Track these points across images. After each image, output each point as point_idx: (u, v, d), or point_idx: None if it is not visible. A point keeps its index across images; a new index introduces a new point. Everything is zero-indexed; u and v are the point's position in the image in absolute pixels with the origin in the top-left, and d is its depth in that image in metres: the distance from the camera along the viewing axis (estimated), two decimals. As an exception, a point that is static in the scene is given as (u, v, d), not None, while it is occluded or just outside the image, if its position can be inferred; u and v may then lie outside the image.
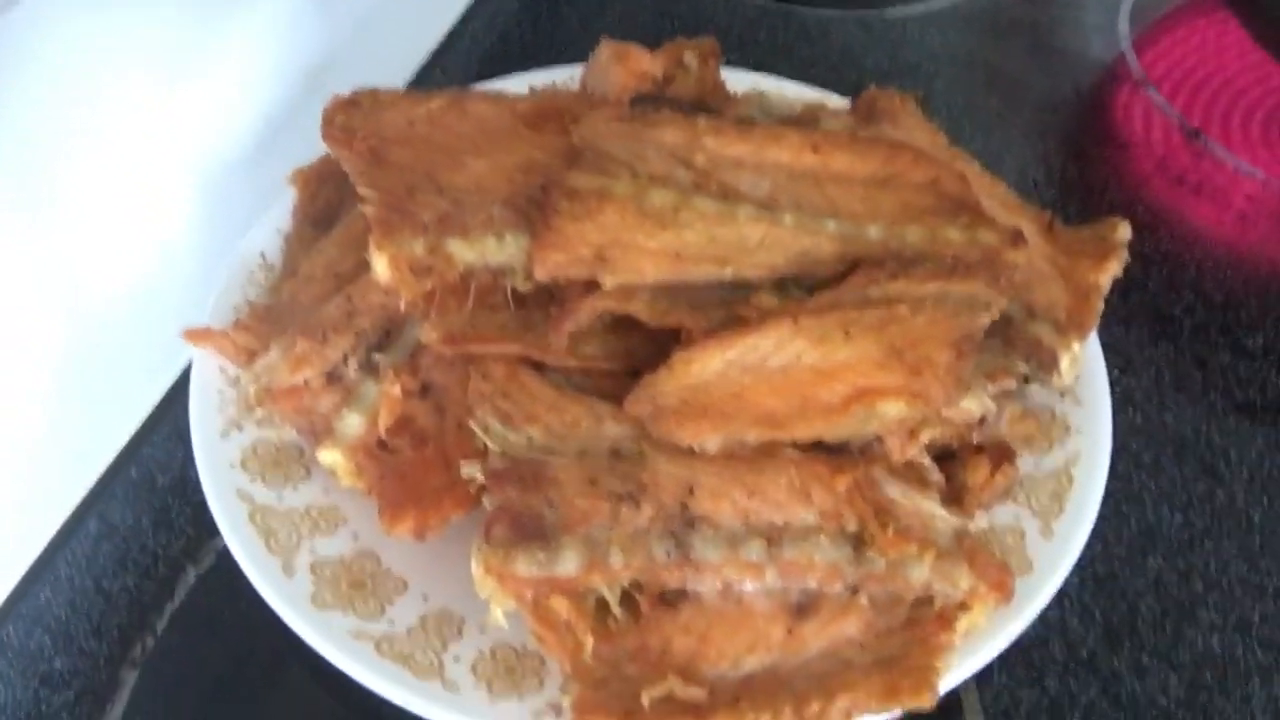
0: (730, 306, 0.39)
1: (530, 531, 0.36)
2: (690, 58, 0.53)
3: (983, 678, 0.38)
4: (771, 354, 0.37)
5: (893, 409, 0.37)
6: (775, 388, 0.37)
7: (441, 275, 0.41)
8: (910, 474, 0.39)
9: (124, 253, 0.47)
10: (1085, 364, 0.43)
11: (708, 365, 0.37)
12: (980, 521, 0.40)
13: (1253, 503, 0.45)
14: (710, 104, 0.51)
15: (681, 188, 0.41)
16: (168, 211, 0.49)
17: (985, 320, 0.39)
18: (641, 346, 0.40)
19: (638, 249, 0.39)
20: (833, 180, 0.42)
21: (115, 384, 0.47)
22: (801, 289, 0.40)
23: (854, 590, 0.36)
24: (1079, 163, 0.59)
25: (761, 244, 0.40)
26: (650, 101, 0.47)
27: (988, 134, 0.60)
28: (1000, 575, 0.37)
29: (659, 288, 0.39)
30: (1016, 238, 0.41)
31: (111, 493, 0.46)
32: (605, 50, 0.52)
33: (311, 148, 0.46)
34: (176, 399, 0.47)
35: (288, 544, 0.40)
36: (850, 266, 0.40)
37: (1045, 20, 0.68)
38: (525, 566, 0.35)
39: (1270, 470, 0.46)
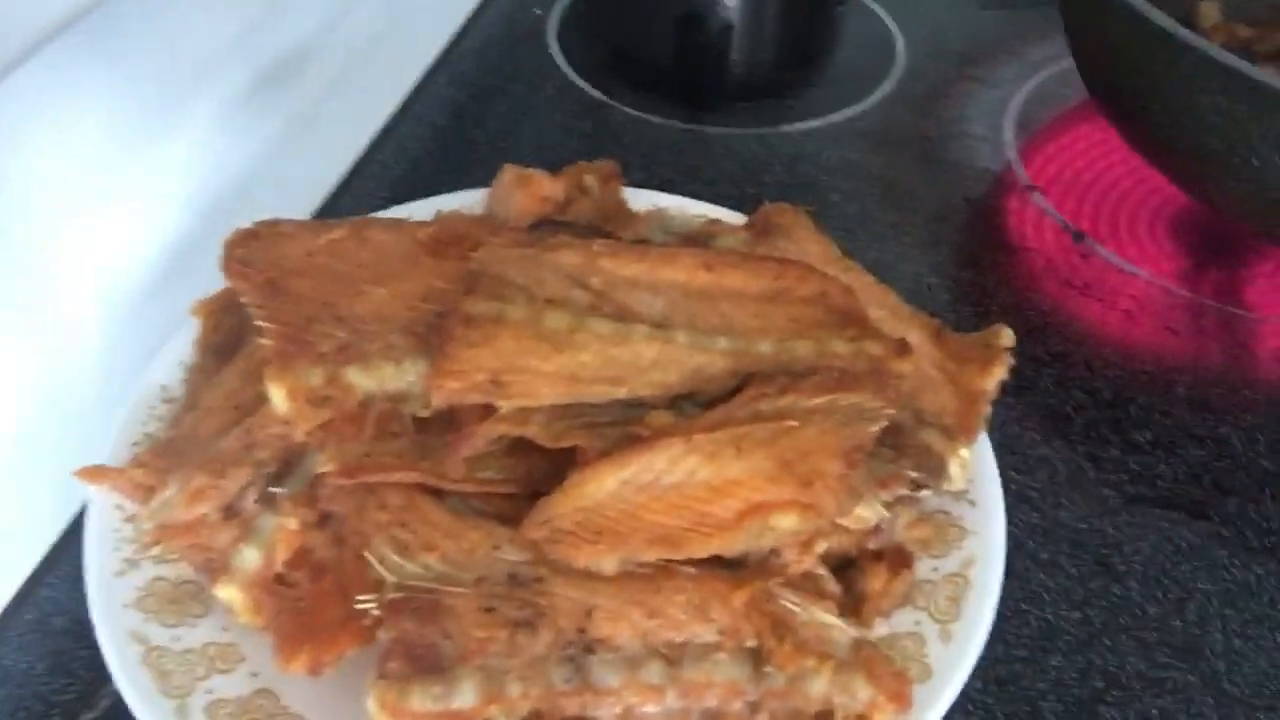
0: (625, 425, 0.40)
1: (426, 664, 0.35)
2: (591, 180, 0.55)
3: (891, 788, 0.38)
4: (665, 472, 0.38)
5: (786, 522, 0.38)
6: (670, 506, 0.38)
7: (339, 405, 0.41)
8: (807, 585, 0.39)
9: (22, 385, 0.46)
10: (977, 466, 0.44)
11: (602, 486, 0.38)
12: (881, 629, 0.40)
13: (1147, 597, 0.46)
14: (609, 226, 0.53)
15: (578, 309, 0.42)
16: (69, 342, 0.49)
17: (874, 430, 0.40)
18: (539, 468, 0.40)
19: (533, 372, 0.40)
20: (726, 297, 0.44)
21: (10, 524, 0.46)
22: (696, 406, 0.41)
23: (755, 707, 0.36)
24: (971, 268, 0.62)
25: (655, 363, 0.41)
26: (549, 226, 0.49)
27: (882, 243, 0.63)
28: (898, 685, 0.37)
29: (554, 409, 0.40)
30: (901, 348, 0.43)
31: (5, 638, 0.45)
32: (507, 175, 0.54)
33: (213, 280, 0.46)
34: (74, 539, 0.46)
35: (183, 685, 0.39)
36: (743, 382, 0.41)
37: (935, 133, 0.71)
38: (421, 701, 0.35)
39: (1163, 563, 0.48)
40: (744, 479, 0.38)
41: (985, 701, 0.43)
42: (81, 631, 0.44)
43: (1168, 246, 0.65)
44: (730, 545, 0.38)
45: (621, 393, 0.40)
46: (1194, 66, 0.52)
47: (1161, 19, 0.53)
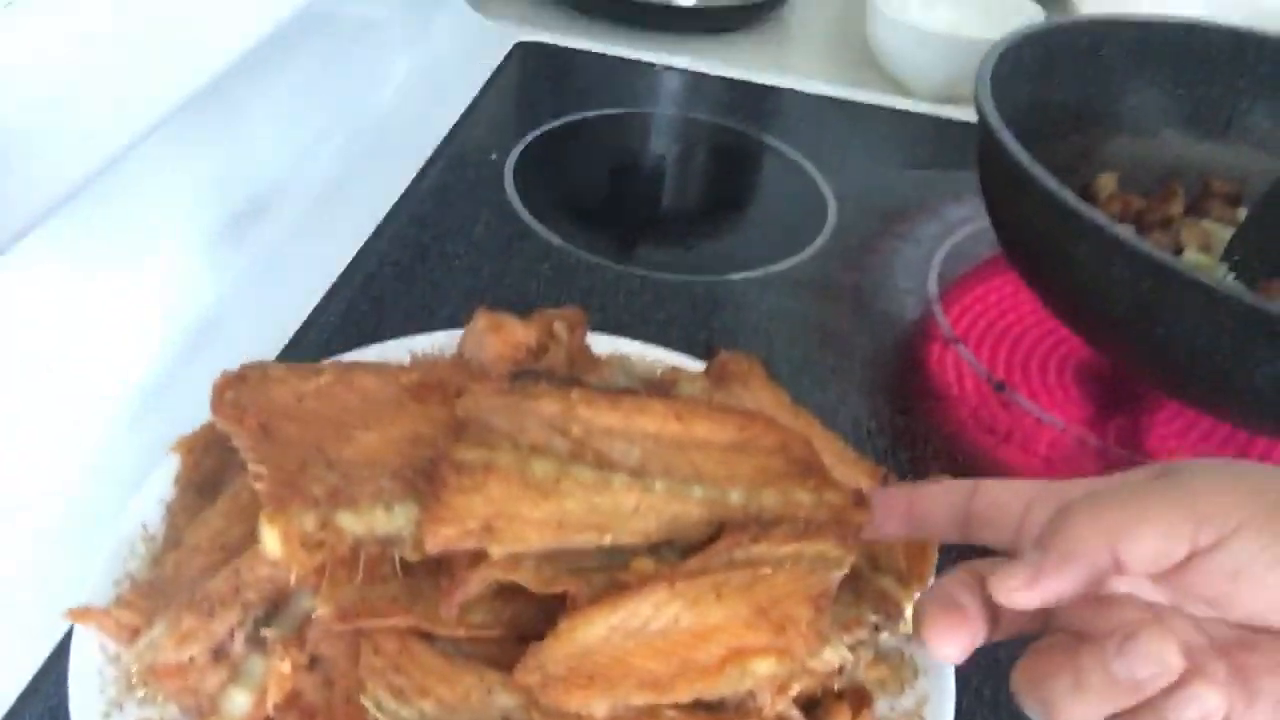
0: (610, 572, 0.42)
1: (425, 810, 0.37)
2: (560, 327, 0.58)
3: None
4: (651, 618, 0.40)
5: (763, 667, 0.40)
6: (656, 651, 0.40)
7: (332, 548, 0.42)
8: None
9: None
10: (926, 608, 0.48)
11: (592, 631, 0.39)
12: (845, 767, 0.43)
13: (1084, 731, 0.50)
14: (576, 371, 0.56)
15: (560, 457, 0.44)
16: (44, 478, 0.49)
17: (838, 576, 0.43)
18: (527, 612, 0.42)
19: (523, 519, 0.42)
20: (695, 447, 0.46)
21: (-20, 665, 0.46)
22: (674, 553, 0.43)
23: None
24: (904, 415, 0.66)
25: (636, 511, 0.43)
26: (529, 375, 0.51)
27: (825, 388, 0.67)
28: (866, 823, 0.40)
29: (543, 555, 0.42)
30: (859, 498, 0.46)
31: (-28, 782, 0.44)
32: (481, 320, 0.57)
33: (190, 416, 0.48)
34: (47, 679, 0.46)
35: (168, 833, 0.39)
36: (716, 530, 0.43)
37: (866, 284, 0.77)
38: None
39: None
40: (724, 625, 0.40)
41: (939, 836, 0.45)
42: (58, 775, 0.44)
43: (1075, 394, 0.71)
44: (713, 689, 0.40)
45: (606, 540, 0.42)
46: (1101, 243, 0.58)
47: (1070, 197, 0.60)
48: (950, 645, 0.36)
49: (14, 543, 0.47)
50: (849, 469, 0.52)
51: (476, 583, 0.41)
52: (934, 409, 0.67)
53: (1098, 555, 0.33)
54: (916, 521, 0.42)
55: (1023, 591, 0.34)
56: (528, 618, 0.42)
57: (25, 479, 0.48)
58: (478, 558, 0.42)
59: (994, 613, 0.36)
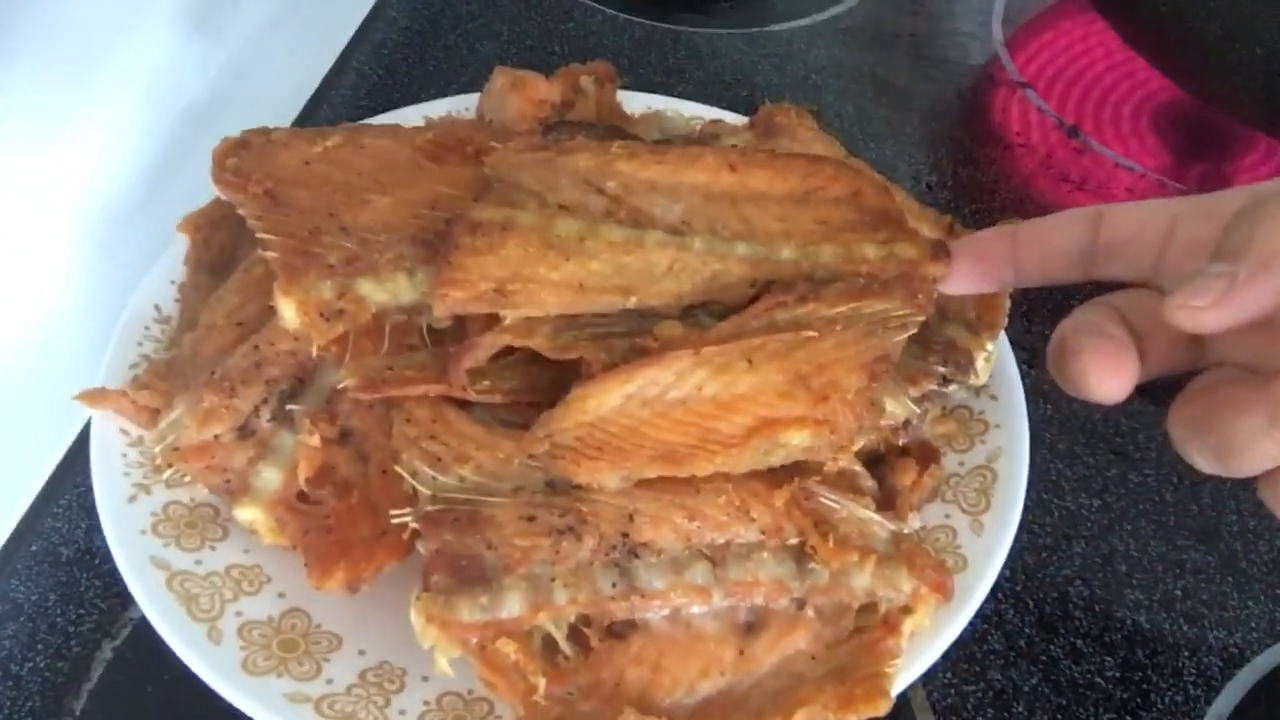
0: (634, 337, 0.38)
1: (471, 576, 0.35)
2: (587, 82, 0.53)
3: (928, 675, 0.38)
4: (672, 387, 0.36)
5: (798, 439, 0.36)
6: (674, 422, 0.36)
7: (353, 318, 0.39)
8: (844, 483, 0.39)
9: (6, 316, 0.44)
10: (997, 359, 0.44)
11: (605, 400, 0.36)
12: (914, 523, 0.40)
13: (1163, 482, 0.47)
14: (614, 128, 0.51)
15: (591, 216, 0.40)
16: (51, 269, 0.47)
17: (902, 338, 0.38)
18: (564, 376, 0.39)
19: (540, 281, 0.38)
20: (750, 200, 0.41)
21: (6, 455, 0.44)
22: (711, 316, 0.39)
23: (800, 604, 0.36)
24: (969, 166, 0.61)
25: (669, 271, 0.39)
26: (564, 128, 0.47)
27: (880, 143, 0.62)
28: (939, 575, 0.37)
29: (562, 319, 0.38)
30: (938, 250, 0.40)
31: (12, 569, 0.43)
32: (501, 78, 0.52)
33: (198, 192, 0.44)
34: (74, 466, 0.45)
35: (211, 609, 0.38)
36: (761, 290, 0.39)
37: (923, 29, 0.70)
38: (469, 612, 0.34)
39: (1176, 450, 0.48)
40: (754, 394, 0.36)
41: (1015, 590, 0.43)
42: (92, 560, 0.43)
43: (1154, 139, 0.65)
44: (737, 463, 0.36)
45: (631, 302, 0.38)
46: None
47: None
48: (1113, 380, 0.31)
49: (25, 330, 0.45)
50: (914, 220, 0.47)
51: (485, 347, 0.38)
52: (1000, 159, 0.62)
53: None
54: (1028, 264, 0.36)
55: (1213, 311, 0.28)
56: (564, 381, 0.39)
57: (32, 265, 0.45)
58: (495, 322, 0.39)
59: (1140, 348, 0.32)
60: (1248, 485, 0.46)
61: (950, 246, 0.39)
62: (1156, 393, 0.50)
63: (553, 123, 0.46)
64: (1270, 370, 0.28)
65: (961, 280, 0.37)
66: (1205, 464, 0.29)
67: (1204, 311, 0.28)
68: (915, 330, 0.39)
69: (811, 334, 0.37)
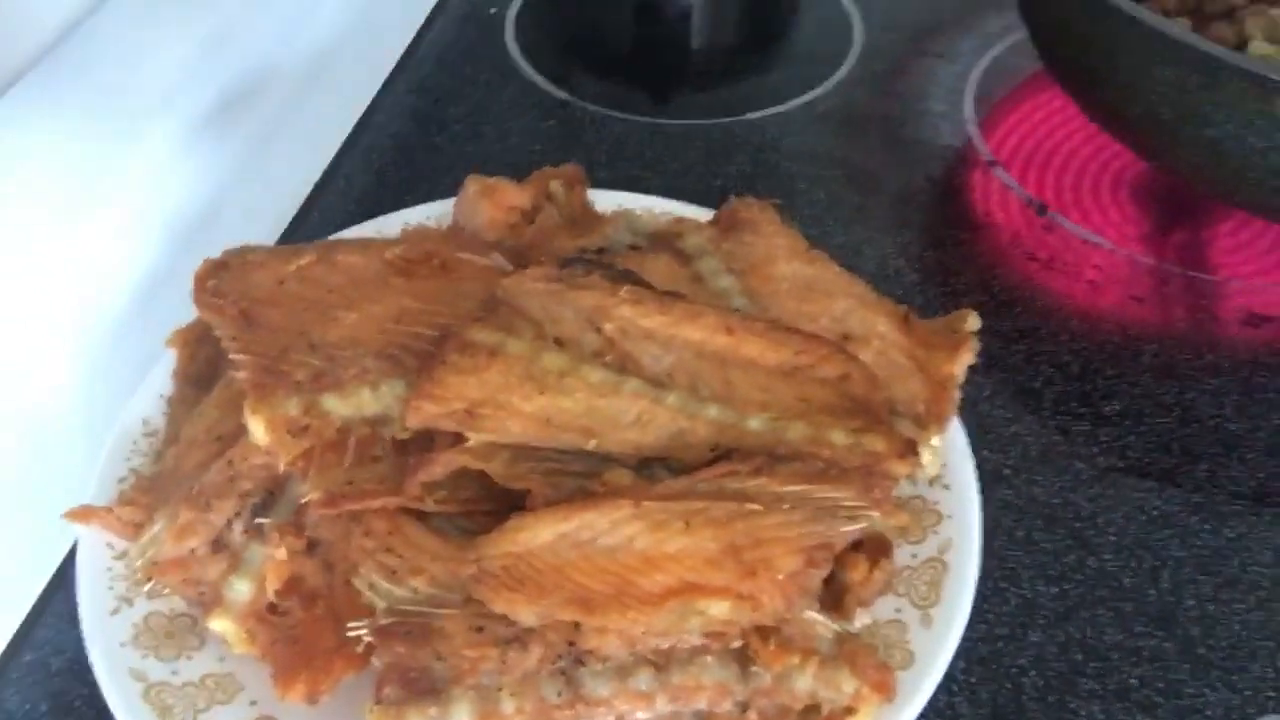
0: (585, 479, 0.39)
1: (421, 687, 0.36)
2: (556, 186, 0.55)
3: (881, 773, 0.39)
4: (605, 533, 0.37)
5: (715, 609, 0.36)
6: (598, 569, 0.36)
7: (318, 433, 0.41)
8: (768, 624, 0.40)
9: (4, 430, 0.47)
10: (950, 448, 0.45)
11: (537, 535, 0.37)
12: (862, 618, 0.41)
13: (1122, 567, 0.47)
14: (576, 231, 0.53)
15: (581, 353, 0.41)
16: (47, 385, 0.49)
17: (850, 530, 0.38)
18: (520, 492, 0.41)
19: (510, 409, 0.40)
20: (739, 365, 0.42)
21: (3, 567, 0.47)
22: (669, 471, 0.40)
23: (744, 707, 0.37)
24: (936, 248, 0.62)
25: (636, 421, 0.40)
26: (583, 263, 0.48)
27: (849, 228, 0.63)
28: (881, 675, 0.38)
29: (522, 449, 0.40)
30: (907, 449, 0.41)
31: (5, 680, 0.45)
32: (472, 186, 0.54)
33: (188, 308, 0.47)
34: (66, 577, 0.47)
35: (184, 718, 0.40)
36: (721, 455, 0.40)
37: (895, 112, 0.72)
38: (418, 723, 0.35)
39: (1136, 533, 0.49)
40: (682, 556, 0.36)
41: (968, 681, 0.44)
42: (80, 671, 0.45)
43: (1130, 212, 0.66)
44: (649, 621, 0.36)
45: (592, 445, 0.40)
46: (1144, 40, 0.53)
47: (1111, -7, 0.54)
48: None
49: (18, 446, 0.47)
50: (869, 311, 0.49)
51: (443, 465, 0.39)
52: (968, 240, 0.63)
53: None
54: None
55: None
56: (501, 493, 0.40)
57: (24, 383, 0.47)
58: (459, 440, 0.40)
59: None
60: (1207, 569, 0.47)
61: (916, 447, 0.39)
62: (1116, 475, 0.51)
63: (573, 257, 0.48)
64: None
65: None
66: None
67: None
68: (865, 525, 0.39)
69: (756, 507, 0.38)
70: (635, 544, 0.37)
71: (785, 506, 0.38)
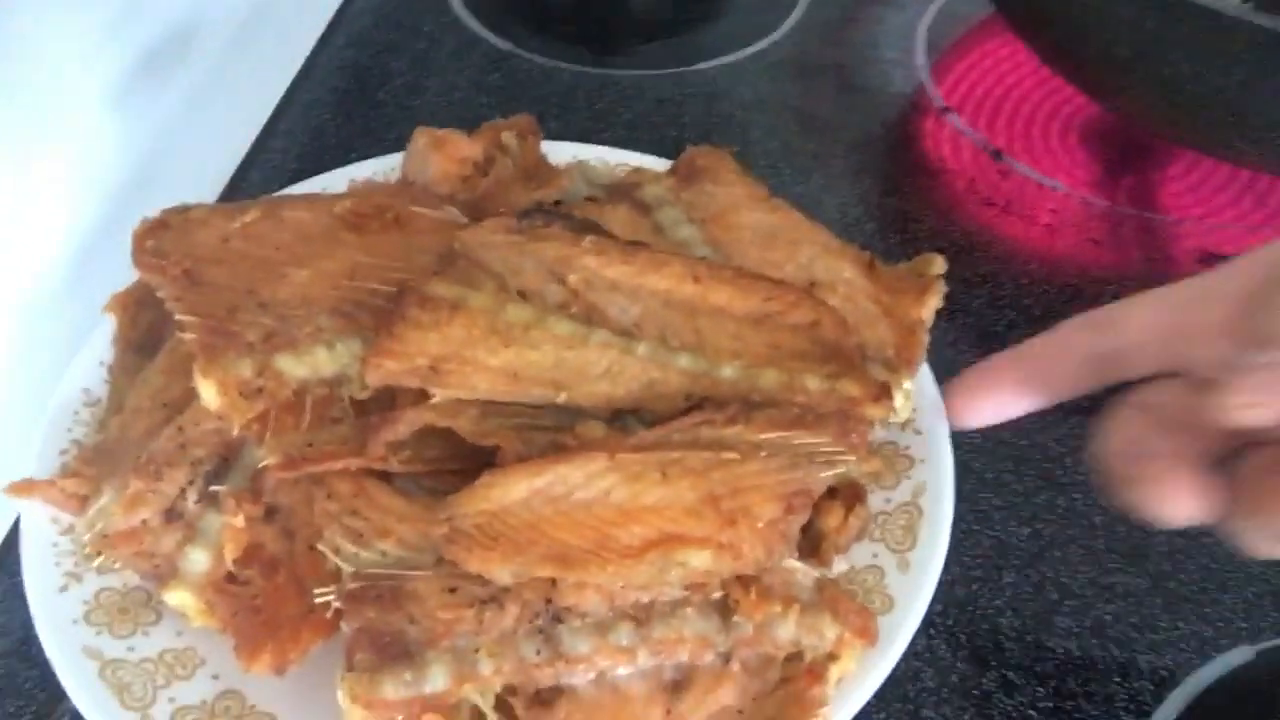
0: (556, 433, 0.38)
1: (394, 652, 0.35)
2: (509, 137, 0.54)
3: (863, 718, 0.39)
4: (579, 487, 0.36)
5: (698, 560, 0.35)
6: (575, 523, 0.35)
7: (273, 395, 0.40)
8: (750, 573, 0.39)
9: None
10: (919, 393, 0.45)
11: (510, 491, 0.36)
12: (840, 564, 0.41)
13: (1091, 505, 0.48)
14: (532, 184, 0.51)
15: (545, 305, 0.40)
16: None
17: (828, 475, 0.38)
18: (488, 450, 0.40)
19: (476, 364, 0.39)
20: (707, 313, 0.42)
21: (-62, 548, 0.45)
22: (641, 423, 0.39)
23: (726, 658, 0.37)
24: (894, 195, 0.62)
25: (606, 372, 0.39)
26: (542, 214, 0.47)
27: (807, 176, 0.63)
28: (863, 620, 0.38)
29: (490, 405, 0.39)
30: (882, 393, 0.40)
31: (-53, 665, 0.43)
32: (421, 138, 0.52)
33: (126, 272, 0.44)
34: (9, 557, 0.44)
35: (143, 696, 0.38)
36: (695, 404, 0.39)
37: (847, 60, 0.71)
38: (393, 689, 0.34)
39: (1103, 471, 0.49)
40: (660, 507, 0.36)
41: (946, 624, 0.44)
42: (27, 651, 0.43)
43: (1082, 156, 0.66)
44: (630, 575, 0.35)
45: (562, 398, 0.39)
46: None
47: (1066, -70, 0.53)
48: (1183, 502, 0.30)
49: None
50: (833, 258, 0.48)
51: (407, 424, 0.38)
52: (925, 186, 0.63)
53: None
54: (1041, 384, 0.35)
55: (1271, 406, 0.27)
56: (468, 451, 0.39)
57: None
58: (423, 398, 0.39)
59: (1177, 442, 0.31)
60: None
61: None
62: (1082, 415, 0.51)
63: (531, 208, 0.46)
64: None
65: (979, 413, 0.37)
66: (1269, 549, 0.29)
67: (1263, 409, 0.27)
68: (842, 470, 0.39)
69: (733, 456, 0.37)
70: (611, 497, 0.36)
71: (762, 454, 0.37)
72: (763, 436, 0.38)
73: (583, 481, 0.36)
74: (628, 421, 0.39)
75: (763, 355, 0.41)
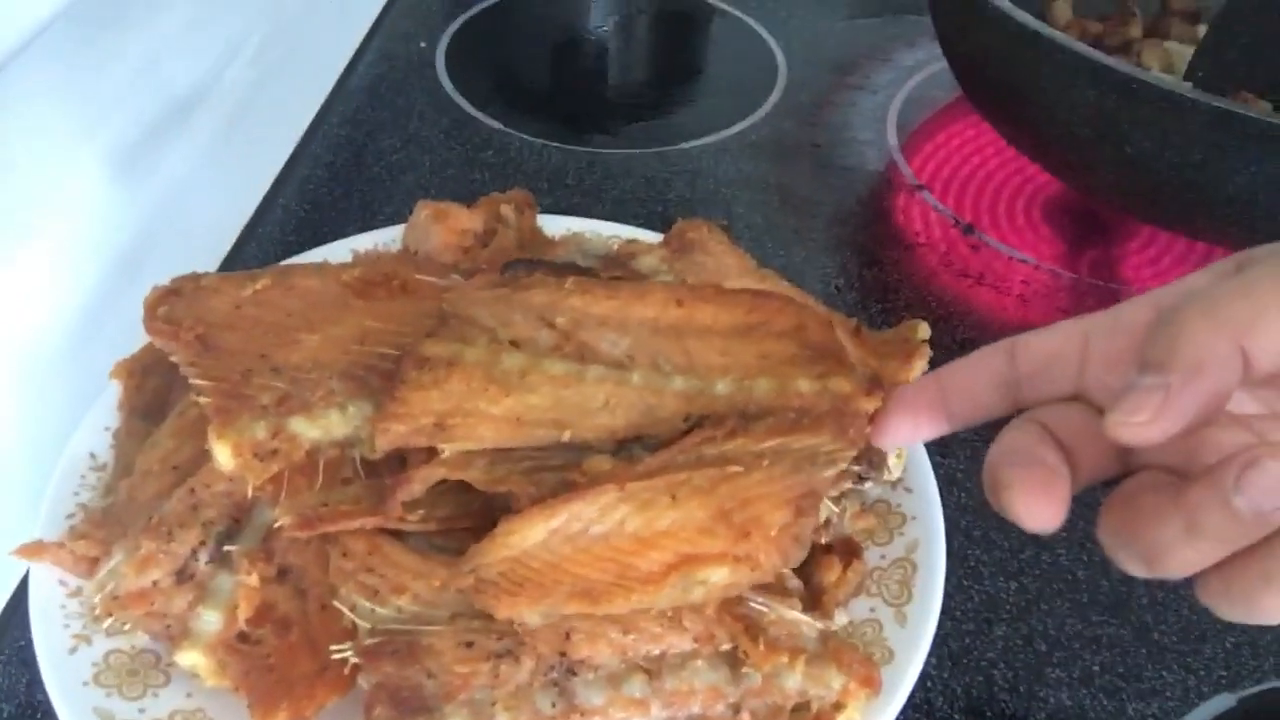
0: (565, 471, 0.39)
1: (412, 706, 0.35)
2: (507, 210, 0.56)
3: (866, 770, 0.39)
4: (595, 522, 0.37)
5: (716, 576, 0.36)
6: (594, 558, 0.36)
7: (287, 456, 0.41)
8: (772, 585, 0.41)
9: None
10: (910, 454, 0.47)
11: (529, 535, 0.37)
12: (840, 619, 0.42)
13: (1075, 560, 0.49)
14: (529, 255, 0.53)
15: (538, 350, 0.41)
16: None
17: (831, 474, 0.39)
18: (497, 500, 0.41)
19: (479, 415, 0.39)
20: (694, 333, 0.43)
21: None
22: (645, 449, 0.40)
23: (736, 709, 0.38)
24: (873, 266, 0.64)
25: (605, 405, 0.40)
26: (522, 265, 0.48)
27: (789, 250, 0.65)
28: (867, 670, 0.39)
29: (497, 453, 0.40)
30: (873, 385, 0.41)
31: (-54, 733, 0.43)
32: (423, 210, 0.54)
33: (130, 337, 0.45)
34: (13, 620, 0.44)
35: (154, 758, 0.38)
36: (694, 424, 0.40)
37: (823, 140, 0.74)
38: (412, 743, 0.35)
39: (1084, 528, 0.50)
40: (675, 530, 0.36)
41: (942, 677, 0.45)
42: (33, 715, 0.42)
43: (1046, 231, 0.70)
44: (654, 600, 0.36)
45: (566, 436, 0.39)
46: (1063, 64, 0.56)
47: (1028, 20, 0.57)
48: (1045, 510, 0.31)
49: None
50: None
51: (421, 481, 0.39)
52: (903, 258, 0.65)
53: (1228, 359, 0.28)
54: (958, 406, 0.36)
55: (1154, 424, 0.28)
56: (497, 507, 0.40)
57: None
58: (433, 454, 0.40)
59: (1070, 461, 0.32)
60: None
61: (882, 381, 0.40)
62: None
63: (513, 260, 0.48)
64: (1192, 472, 0.29)
65: (896, 433, 0.37)
66: (1134, 569, 0.30)
67: (1146, 426, 0.28)
68: (845, 466, 0.39)
69: (736, 469, 0.38)
70: (626, 527, 0.36)
71: (765, 462, 0.38)
72: (763, 445, 0.38)
73: (597, 516, 0.37)
74: (632, 450, 0.40)
75: (753, 366, 0.41)
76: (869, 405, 0.40)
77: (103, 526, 0.43)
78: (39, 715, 0.39)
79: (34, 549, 0.41)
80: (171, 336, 0.44)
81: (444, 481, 0.40)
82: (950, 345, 0.60)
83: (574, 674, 0.37)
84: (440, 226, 0.53)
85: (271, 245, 0.63)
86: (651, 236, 0.56)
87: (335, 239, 0.56)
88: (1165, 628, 0.47)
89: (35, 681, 0.39)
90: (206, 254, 0.61)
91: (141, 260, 0.56)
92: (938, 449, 0.52)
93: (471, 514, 0.41)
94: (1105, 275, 0.67)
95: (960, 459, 0.53)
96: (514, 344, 0.42)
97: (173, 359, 0.44)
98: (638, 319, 0.42)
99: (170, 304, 0.45)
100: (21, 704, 0.43)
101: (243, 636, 0.40)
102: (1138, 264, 0.68)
